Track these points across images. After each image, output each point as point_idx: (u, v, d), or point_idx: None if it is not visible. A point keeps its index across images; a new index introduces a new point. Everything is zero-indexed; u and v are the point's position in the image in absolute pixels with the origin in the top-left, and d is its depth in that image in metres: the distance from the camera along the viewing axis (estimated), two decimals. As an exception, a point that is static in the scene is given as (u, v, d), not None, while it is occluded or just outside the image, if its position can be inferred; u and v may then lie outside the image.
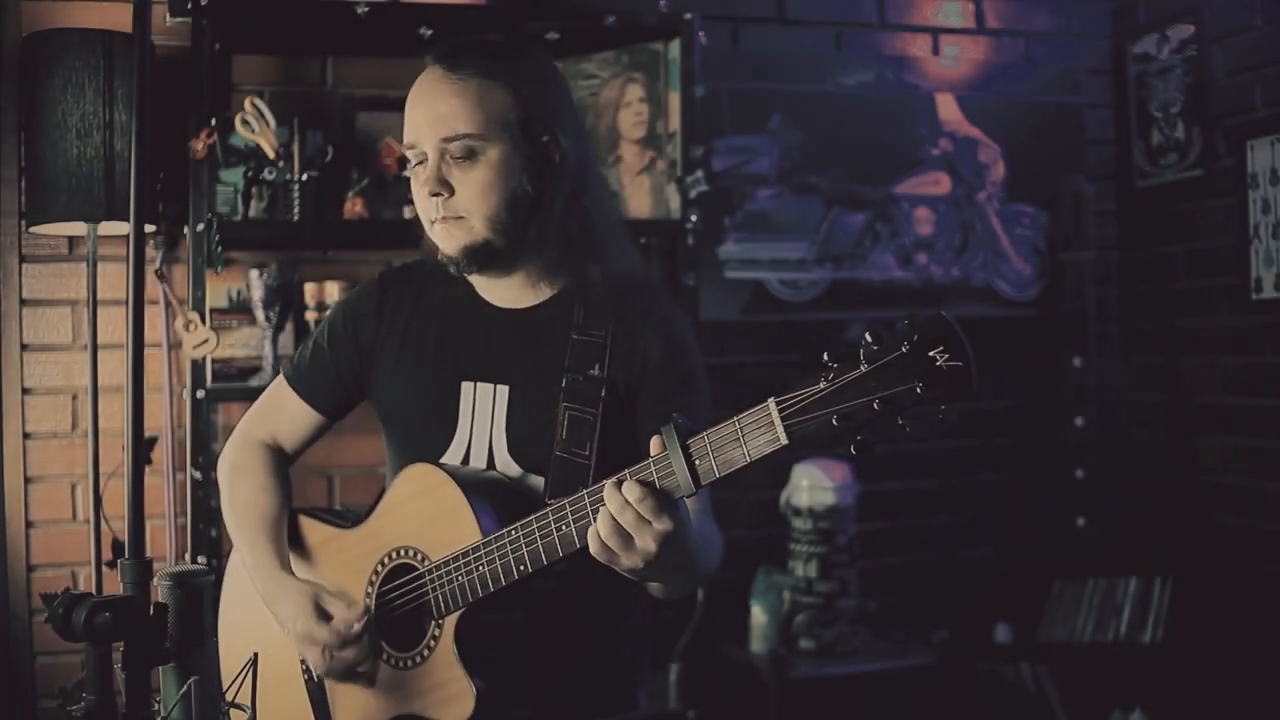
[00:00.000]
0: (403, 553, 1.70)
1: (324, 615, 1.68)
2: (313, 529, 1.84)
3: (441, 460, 1.75)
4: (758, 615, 3.14)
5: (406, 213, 2.95)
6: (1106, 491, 3.70)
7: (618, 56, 3.12)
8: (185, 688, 1.19)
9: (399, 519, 1.71)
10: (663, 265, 3.24)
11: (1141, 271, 3.69)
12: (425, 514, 1.67)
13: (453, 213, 1.67)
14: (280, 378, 1.92)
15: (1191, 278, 3.50)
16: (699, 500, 1.57)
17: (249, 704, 1.36)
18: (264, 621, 1.78)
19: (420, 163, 1.70)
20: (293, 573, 1.78)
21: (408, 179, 2.99)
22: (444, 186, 1.67)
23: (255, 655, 1.71)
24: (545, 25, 2.97)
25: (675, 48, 3.05)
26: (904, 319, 1.30)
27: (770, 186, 3.42)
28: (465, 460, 1.74)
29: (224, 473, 1.90)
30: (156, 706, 1.20)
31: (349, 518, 1.83)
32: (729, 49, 3.40)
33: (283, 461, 1.90)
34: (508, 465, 1.72)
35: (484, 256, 1.69)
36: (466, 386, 1.75)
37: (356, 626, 1.66)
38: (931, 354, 1.27)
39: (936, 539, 3.59)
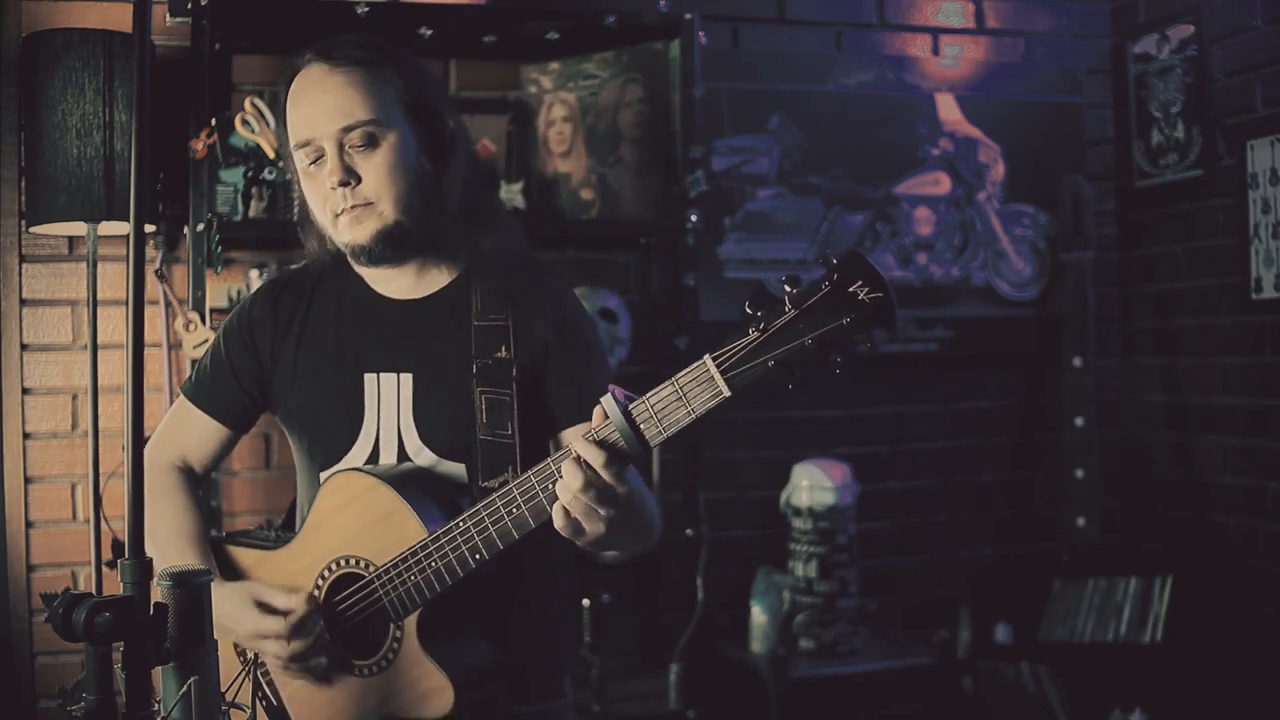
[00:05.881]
0: (345, 562, 1.69)
1: (267, 609, 1.68)
2: (241, 554, 1.82)
3: (350, 452, 1.76)
4: (758, 615, 3.14)
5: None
6: (1106, 491, 3.70)
7: (618, 56, 3.11)
8: (185, 688, 1.19)
9: (332, 530, 1.70)
10: (663, 265, 3.24)
11: (1141, 271, 3.69)
12: (361, 520, 1.67)
13: (361, 200, 1.70)
14: (181, 398, 1.91)
15: (1191, 278, 3.50)
16: None
17: (249, 704, 1.36)
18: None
19: (315, 161, 1.72)
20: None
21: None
22: (351, 175, 1.70)
23: (255, 656, 1.72)
24: (545, 25, 2.96)
25: (675, 47, 3.05)
26: (817, 260, 1.35)
27: (770, 186, 3.42)
28: (375, 451, 1.75)
29: None
30: (156, 706, 1.19)
31: (269, 539, 1.82)
32: (729, 49, 3.40)
33: (195, 483, 1.90)
34: (420, 453, 1.74)
35: (396, 240, 1.71)
36: (369, 378, 1.77)
37: (302, 609, 1.66)
38: (852, 289, 1.34)
39: (936, 539, 3.59)
